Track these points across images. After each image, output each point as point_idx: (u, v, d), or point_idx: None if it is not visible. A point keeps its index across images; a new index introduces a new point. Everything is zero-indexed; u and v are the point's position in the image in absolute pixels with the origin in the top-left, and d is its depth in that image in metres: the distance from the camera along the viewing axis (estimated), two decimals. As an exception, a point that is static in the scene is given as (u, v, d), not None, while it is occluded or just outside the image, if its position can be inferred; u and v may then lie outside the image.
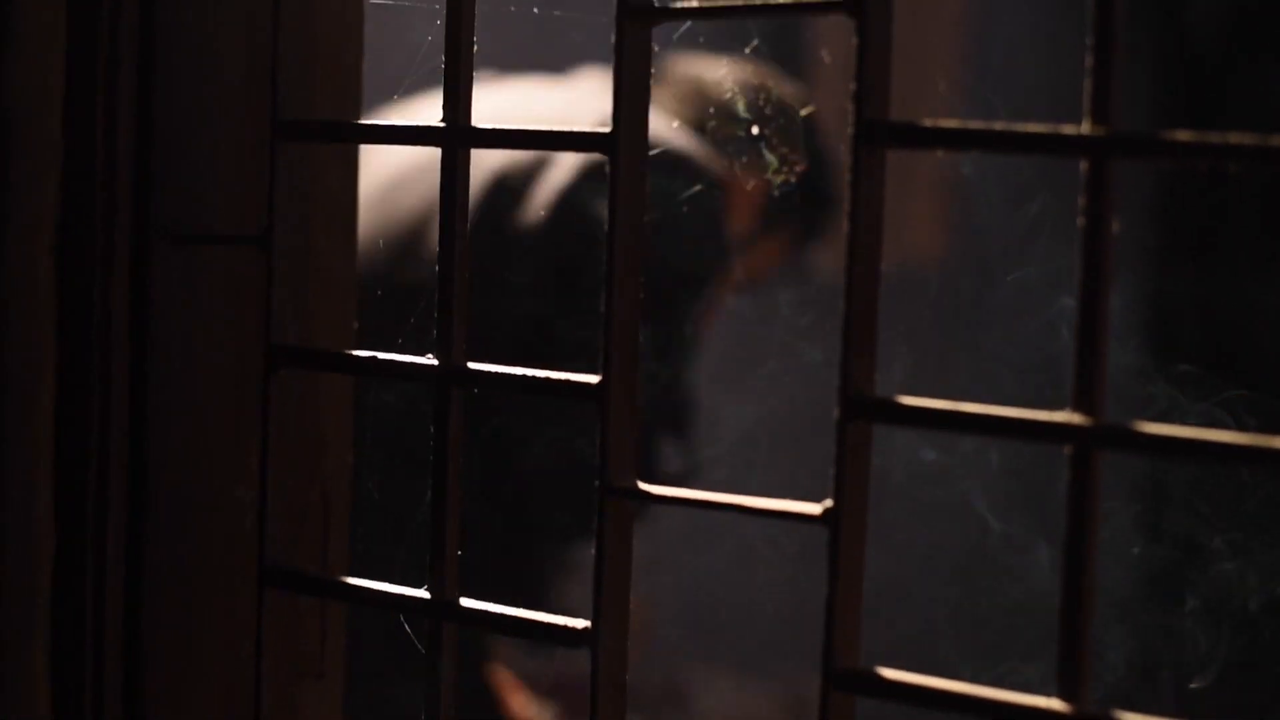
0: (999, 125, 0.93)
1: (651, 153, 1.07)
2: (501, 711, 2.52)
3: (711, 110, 1.07)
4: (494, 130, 1.14)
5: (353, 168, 1.33)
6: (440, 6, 1.15)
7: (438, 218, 1.06)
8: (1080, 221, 0.91)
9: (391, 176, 2.09)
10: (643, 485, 1.10)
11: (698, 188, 1.10)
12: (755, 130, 1.07)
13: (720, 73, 1.11)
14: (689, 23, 1.06)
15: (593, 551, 1.11)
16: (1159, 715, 0.90)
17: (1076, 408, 0.92)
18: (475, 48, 1.14)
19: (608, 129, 1.08)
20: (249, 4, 1.26)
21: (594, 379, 1.10)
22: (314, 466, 1.35)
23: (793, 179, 1.06)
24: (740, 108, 1.06)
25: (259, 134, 1.25)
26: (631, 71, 1.07)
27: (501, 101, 2.03)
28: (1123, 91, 0.90)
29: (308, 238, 1.31)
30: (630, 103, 1.07)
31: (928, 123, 0.96)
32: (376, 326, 1.33)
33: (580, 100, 1.89)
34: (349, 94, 1.32)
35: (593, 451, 1.08)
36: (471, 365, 1.16)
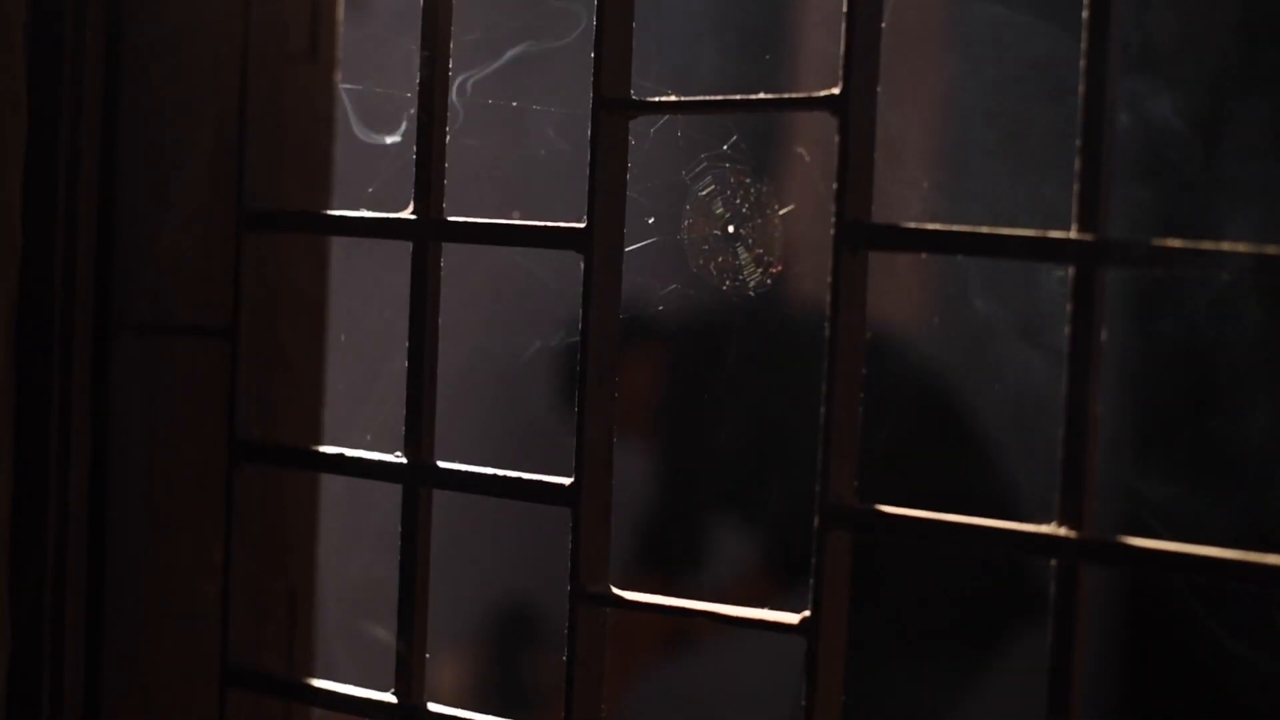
0: (985, 229, 0.91)
1: (628, 249, 1.05)
2: None
3: (687, 208, 1.04)
4: (466, 223, 1.11)
5: (323, 260, 1.31)
6: (414, 97, 1.12)
7: None
8: (1067, 330, 0.89)
9: None
10: (616, 591, 1.07)
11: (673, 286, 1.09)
12: (731, 229, 1.04)
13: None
14: (666, 117, 1.04)
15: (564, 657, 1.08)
16: None
17: (1063, 520, 0.90)
18: (448, 140, 1.12)
19: (582, 224, 1.05)
20: (216, 92, 1.24)
21: (566, 481, 1.07)
22: (279, 562, 1.32)
23: (768, 279, 1.04)
24: (717, 204, 1.04)
25: (225, 224, 1.22)
26: (607, 165, 1.05)
27: None
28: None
29: (275, 331, 1.28)
30: (606, 197, 1.05)
31: (911, 225, 0.93)
32: None
33: None
34: (320, 184, 1.29)
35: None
36: (441, 464, 1.13)
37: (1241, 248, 0.85)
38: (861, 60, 0.96)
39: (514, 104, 1.22)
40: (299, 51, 1.28)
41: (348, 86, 1.28)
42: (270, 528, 1.31)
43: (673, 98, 1.03)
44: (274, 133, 1.26)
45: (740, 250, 1.04)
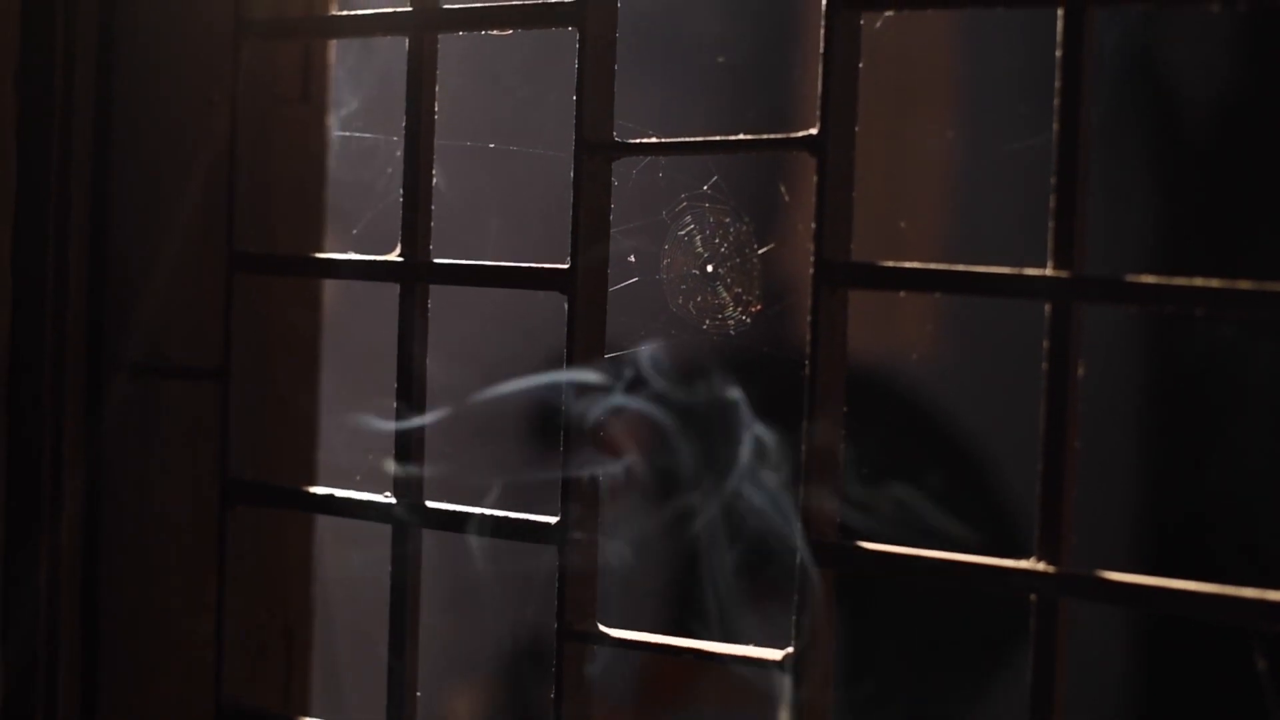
0: (960, 267, 0.91)
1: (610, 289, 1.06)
2: None
3: (666, 248, 1.05)
4: (453, 265, 1.12)
5: (315, 299, 1.31)
6: (401, 140, 1.13)
7: None
8: (1044, 366, 0.89)
9: None
10: (603, 628, 1.08)
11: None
12: (710, 268, 1.05)
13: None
14: (648, 158, 1.05)
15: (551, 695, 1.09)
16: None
17: (1041, 556, 0.90)
18: (434, 181, 1.13)
19: (566, 265, 1.06)
20: (207, 134, 1.25)
21: (553, 519, 1.08)
22: (276, 600, 1.32)
23: (747, 319, 1.05)
24: (697, 244, 1.05)
25: (217, 266, 1.23)
26: (590, 206, 1.05)
27: None
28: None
29: (268, 370, 1.29)
30: (587, 238, 1.05)
31: (888, 263, 0.94)
32: None
33: None
34: (312, 225, 1.30)
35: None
36: (430, 504, 1.14)
37: (1215, 283, 0.85)
38: (839, 100, 0.96)
39: (490, 145, 1.23)
40: (290, 93, 1.29)
41: (343, 134, 1.29)
42: (266, 566, 1.31)
43: (653, 139, 1.03)
44: (265, 175, 1.27)
45: (720, 289, 1.04)
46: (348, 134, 1.30)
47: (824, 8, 0.96)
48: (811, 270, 0.96)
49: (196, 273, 1.26)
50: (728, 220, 1.03)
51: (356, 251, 1.18)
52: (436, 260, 1.13)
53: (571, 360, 1.05)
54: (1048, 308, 0.90)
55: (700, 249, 1.04)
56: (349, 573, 1.59)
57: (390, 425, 1.15)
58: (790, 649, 0.98)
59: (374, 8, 1.18)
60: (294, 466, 1.32)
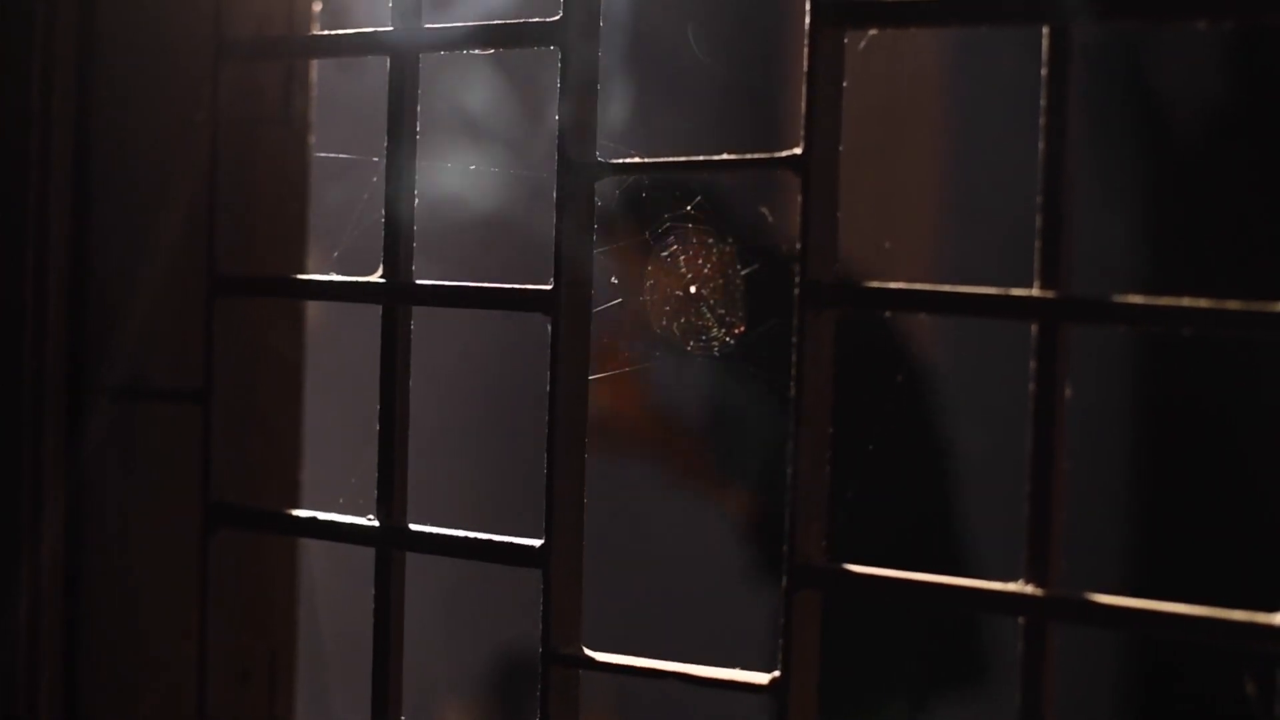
0: (946, 287, 0.90)
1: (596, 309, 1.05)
2: None
3: (649, 267, 1.04)
4: (435, 286, 1.11)
5: (299, 321, 1.31)
6: (382, 161, 1.12)
7: None
8: (1031, 388, 0.88)
9: None
10: (588, 651, 1.07)
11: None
12: (694, 289, 1.04)
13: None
14: (632, 178, 1.04)
15: None
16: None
17: (1029, 578, 0.89)
18: (415, 201, 1.12)
19: (549, 286, 1.05)
20: (188, 155, 1.24)
21: (537, 542, 1.07)
22: (260, 624, 1.31)
23: (731, 340, 1.04)
24: (680, 264, 1.04)
25: (199, 288, 1.22)
26: (573, 227, 1.05)
27: None
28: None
29: (252, 393, 1.28)
30: (571, 259, 1.04)
31: (873, 284, 0.93)
32: None
33: None
34: (294, 247, 1.29)
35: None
36: (413, 527, 1.13)
37: (1203, 303, 0.84)
38: (824, 119, 0.96)
39: (471, 166, 1.22)
40: (272, 114, 1.28)
41: (325, 155, 1.28)
42: (249, 589, 1.30)
43: (637, 159, 1.03)
44: (247, 196, 1.26)
45: (704, 310, 1.04)
46: (329, 154, 1.29)
47: (807, 26, 0.95)
48: (796, 291, 0.95)
49: (177, 295, 1.25)
50: (711, 241, 1.03)
51: (338, 272, 1.17)
52: (419, 281, 1.12)
53: (555, 381, 1.05)
54: (1034, 328, 0.89)
55: (684, 270, 1.03)
56: (333, 594, 1.59)
57: (373, 446, 1.14)
58: (777, 673, 0.97)
59: (356, 27, 1.17)
60: (277, 489, 1.31)
